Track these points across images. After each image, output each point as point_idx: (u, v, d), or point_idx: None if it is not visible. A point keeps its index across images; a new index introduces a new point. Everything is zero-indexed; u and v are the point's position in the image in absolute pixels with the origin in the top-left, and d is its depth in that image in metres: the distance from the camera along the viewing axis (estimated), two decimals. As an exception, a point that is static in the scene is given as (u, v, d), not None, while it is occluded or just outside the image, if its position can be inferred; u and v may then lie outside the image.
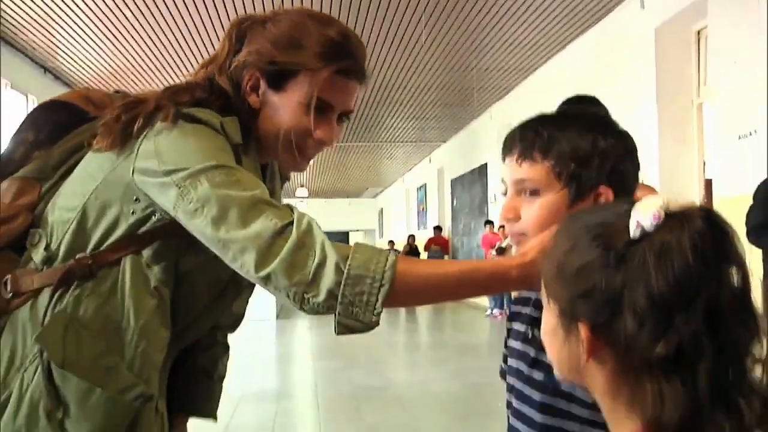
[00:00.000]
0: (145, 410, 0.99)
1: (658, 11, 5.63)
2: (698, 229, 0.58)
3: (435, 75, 8.54)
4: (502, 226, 10.22)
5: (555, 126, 0.94)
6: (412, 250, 15.19)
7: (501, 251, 9.26)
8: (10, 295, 1.01)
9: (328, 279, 0.87)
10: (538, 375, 0.90)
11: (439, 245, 13.84)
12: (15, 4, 5.86)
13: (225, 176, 0.92)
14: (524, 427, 0.94)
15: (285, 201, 1.05)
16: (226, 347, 1.32)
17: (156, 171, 0.95)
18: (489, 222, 10.68)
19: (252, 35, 1.04)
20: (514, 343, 1.02)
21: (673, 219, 0.59)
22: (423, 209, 16.80)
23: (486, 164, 11.15)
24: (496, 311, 9.90)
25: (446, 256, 13.90)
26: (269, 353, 7.09)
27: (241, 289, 1.17)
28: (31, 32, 6.60)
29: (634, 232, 0.60)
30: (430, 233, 14.35)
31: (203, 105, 1.00)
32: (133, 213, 0.99)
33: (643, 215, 0.60)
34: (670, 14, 5.49)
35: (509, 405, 1.02)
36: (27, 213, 1.05)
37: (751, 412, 0.58)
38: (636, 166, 0.96)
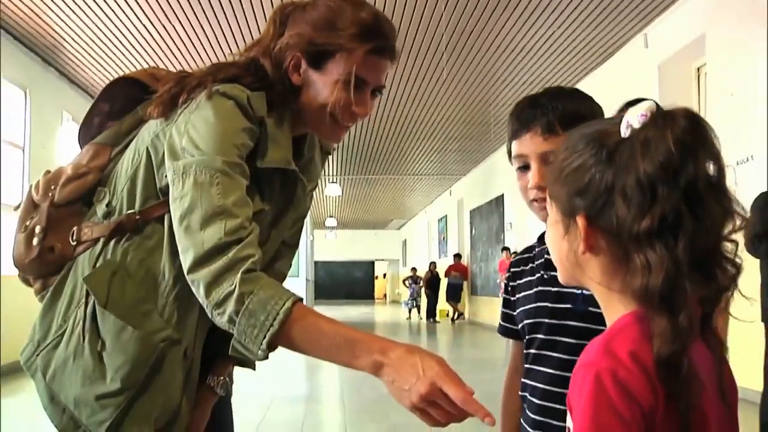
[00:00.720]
0: (171, 351, 1.05)
1: (661, 50, 5.74)
2: (681, 125, 0.61)
3: (455, 110, 8.68)
4: (516, 252, 10.29)
5: (560, 101, 1.04)
6: (433, 276, 15.22)
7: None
8: (75, 243, 1.11)
9: (230, 306, 0.91)
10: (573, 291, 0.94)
11: (458, 271, 13.87)
12: (81, 47, 6.21)
13: (209, 177, 0.97)
14: (561, 349, 1.00)
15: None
16: None
17: (175, 147, 1.01)
18: (505, 248, 10.71)
19: (293, 20, 1.09)
20: (528, 292, 1.10)
21: (659, 117, 0.63)
22: (443, 238, 16.85)
23: (502, 195, 11.22)
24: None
25: (465, 282, 13.93)
26: (296, 362, 7.16)
27: (282, 248, 1.24)
28: (92, 71, 6.95)
29: (624, 131, 0.64)
30: (451, 261, 14.38)
31: (237, 81, 1.06)
32: (165, 176, 1.04)
33: (632, 115, 0.64)
34: (672, 52, 5.60)
35: (531, 346, 1.07)
36: (97, 172, 1.14)
37: (724, 276, 0.63)
38: None
